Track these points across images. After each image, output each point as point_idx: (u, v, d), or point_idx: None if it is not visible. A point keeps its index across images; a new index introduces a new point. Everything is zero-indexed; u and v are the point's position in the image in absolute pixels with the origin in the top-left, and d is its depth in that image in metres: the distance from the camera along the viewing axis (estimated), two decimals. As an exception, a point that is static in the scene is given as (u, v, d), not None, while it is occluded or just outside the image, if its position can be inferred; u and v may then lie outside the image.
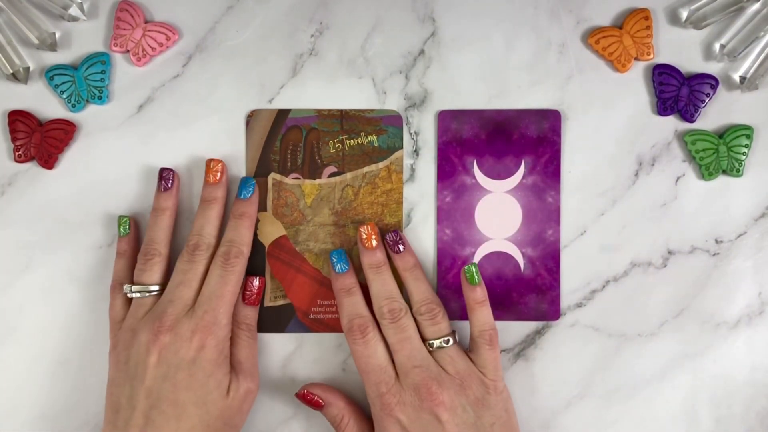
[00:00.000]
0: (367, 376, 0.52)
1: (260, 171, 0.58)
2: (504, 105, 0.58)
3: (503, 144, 0.58)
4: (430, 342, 0.52)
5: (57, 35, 0.58)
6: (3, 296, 0.58)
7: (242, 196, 0.56)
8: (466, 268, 0.53)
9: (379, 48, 0.58)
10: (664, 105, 0.57)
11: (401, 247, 0.55)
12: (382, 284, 0.54)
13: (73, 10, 0.57)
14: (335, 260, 0.55)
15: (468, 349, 0.54)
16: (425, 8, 0.58)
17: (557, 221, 0.58)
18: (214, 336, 0.51)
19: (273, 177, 0.58)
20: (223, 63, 0.58)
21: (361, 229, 0.55)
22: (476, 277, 0.53)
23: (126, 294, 0.54)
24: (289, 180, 0.58)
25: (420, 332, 0.53)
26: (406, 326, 0.52)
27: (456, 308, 0.58)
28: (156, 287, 0.53)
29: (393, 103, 0.58)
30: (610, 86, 0.58)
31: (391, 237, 0.55)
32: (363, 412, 0.56)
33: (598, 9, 0.58)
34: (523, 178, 0.58)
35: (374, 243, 0.55)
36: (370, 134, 0.58)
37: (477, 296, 0.53)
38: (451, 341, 0.52)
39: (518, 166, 0.58)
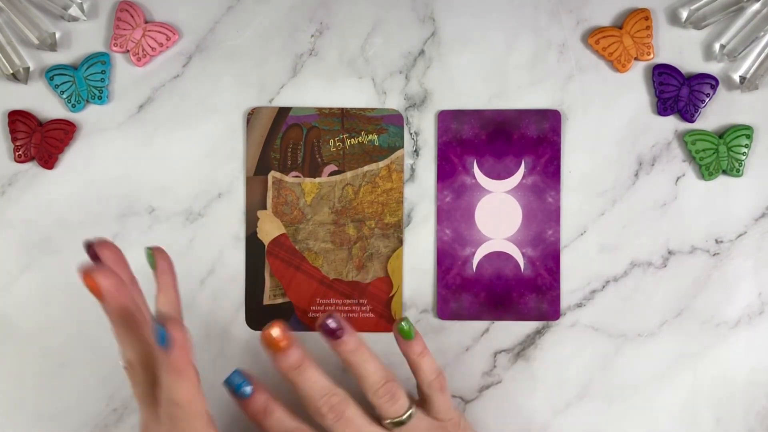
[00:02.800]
0: None
1: (260, 169, 0.58)
2: (504, 105, 0.58)
3: (503, 144, 0.58)
4: (394, 421, 0.48)
5: (57, 35, 0.58)
6: (3, 296, 0.58)
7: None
8: (398, 326, 0.48)
9: (379, 48, 0.58)
10: (664, 105, 0.57)
11: (341, 331, 0.46)
12: (310, 383, 0.46)
13: (73, 10, 0.57)
14: (234, 386, 0.47)
15: (418, 400, 0.51)
16: (425, 8, 0.58)
17: (557, 221, 0.58)
18: None
19: (273, 175, 0.58)
20: (223, 63, 0.58)
21: (270, 332, 0.45)
22: (412, 331, 0.49)
23: None
24: (289, 178, 0.58)
25: (378, 412, 0.48)
26: (352, 418, 0.47)
27: (456, 308, 0.58)
28: None
29: (393, 103, 0.58)
30: (610, 86, 0.58)
31: (329, 324, 0.46)
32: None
33: (598, 9, 0.58)
34: (523, 178, 0.58)
35: (285, 344, 0.45)
36: (371, 133, 0.58)
37: (416, 350, 0.49)
38: (412, 412, 0.48)
39: (518, 166, 0.58)
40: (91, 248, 0.44)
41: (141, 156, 0.58)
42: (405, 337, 0.49)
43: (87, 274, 0.42)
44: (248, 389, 0.46)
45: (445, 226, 0.58)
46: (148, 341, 0.43)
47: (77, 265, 0.43)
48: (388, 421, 0.48)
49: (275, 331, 0.45)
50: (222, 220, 0.58)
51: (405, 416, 0.48)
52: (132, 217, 0.58)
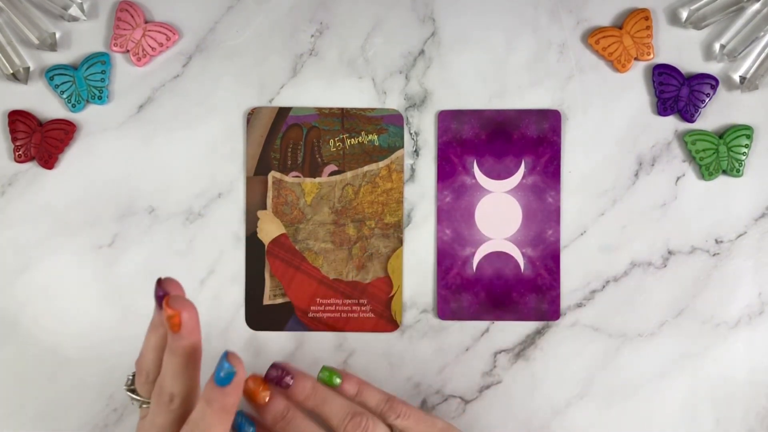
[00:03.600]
0: None
1: (260, 169, 0.58)
2: (504, 105, 0.58)
3: (503, 144, 0.58)
4: None
5: (57, 35, 0.58)
6: (3, 296, 0.58)
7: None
8: (319, 376, 0.47)
9: (379, 48, 0.58)
10: (664, 105, 0.57)
11: (289, 378, 0.45)
12: (303, 429, 0.45)
13: (73, 10, 0.57)
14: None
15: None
16: (425, 8, 0.58)
17: (557, 221, 0.58)
18: None
19: (273, 175, 0.58)
20: (223, 63, 0.58)
21: (249, 383, 0.44)
22: (333, 376, 0.47)
23: None
24: (289, 178, 0.58)
25: None
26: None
27: (456, 308, 0.58)
28: None
29: (393, 103, 0.58)
30: (610, 86, 0.58)
31: (272, 375, 0.45)
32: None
33: (598, 9, 0.58)
34: (523, 178, 0.58)
35: (265, 395, 0.44)
36: (371, 133, 0.58)
37: (351, 389, 0.48)
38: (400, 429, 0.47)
39: (518, 166, 0.58)
40: (161, 285, 0.43)
41: (141, 156, 0.58)
42: (330, 384, 0.47)
43: (171, 306, 0.41)
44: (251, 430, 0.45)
45: (445, 226, 0.58)
46: (196, 378, 0.43)
47: (158, 294, 0.42)
48: None
49: (252, 384, 0.44)
50: (222, 220, 0.58)
51: None
52: (132, 217, 0.58)
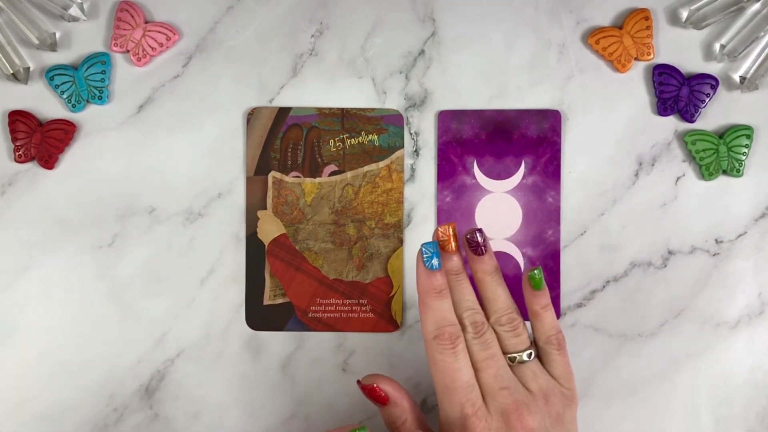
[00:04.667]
0: (450, 393, 0.45)
1: (260, 169, 0.58)
2: (504, 105, 0.58)
3: (503, 144, 0.58)
4: (512, 356, 0.47)
5: (57, 35, 0.58)
6: (3, 296, 0.58)
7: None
8: (530, 273, 0.48)
9: (379, 48, 0.58)
10: (664, 105, 0.57)
11: (484, 249, 0.48)
12: (463, 293, 0.47)
13: (73, 10, 0.57)
14: (429, 254, 0.46)
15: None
16: (425, 8, 0.58)
17: (557, 221, 0.58)
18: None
19: (273, 175, 0.58)
20: (223, 63, 0.58)
21: (440, 230, 0.47)
22: (542, 282, 0.48)
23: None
24: (289, 178, 0.58)
25: (500, 344, 0.47)
26: (491, 342, 0.46)
27: (456, 308, 0.58)
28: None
29: (393, 103, 0.58)
30: (610, 86, 0.58)
31: (474, 238, 0.47)
32: (423, 418, 0.50)
33: (598, 9, 0.58)
34: (523, 178, 0.58)
35: (454, 246, 0.47)
36: (371, 133, 0.58)
37: (542, 301, 0.48)
38: (533, 354, 0.47)
39: (518, 166, 0.58)
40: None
41: (141, 156, 0.58)
42: (534, 286, 0.48)
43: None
44: (439, 263, 0.46)
45: (445, 226, 0.58)
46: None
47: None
48: (508, 354, 0.47)
49: (446, 230, 0.47)
50: (222, 220, 0.58)
51: (525, 354, 0.47)
52: (132, 217, 0.58)
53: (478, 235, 0.47)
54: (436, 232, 0.47)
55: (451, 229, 0.47)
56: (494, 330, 0.47)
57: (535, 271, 0.48)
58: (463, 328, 0.47)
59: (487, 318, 0.47)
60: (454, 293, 0.47)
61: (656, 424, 0.58)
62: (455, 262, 0.47)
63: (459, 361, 0.45)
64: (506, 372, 0.46)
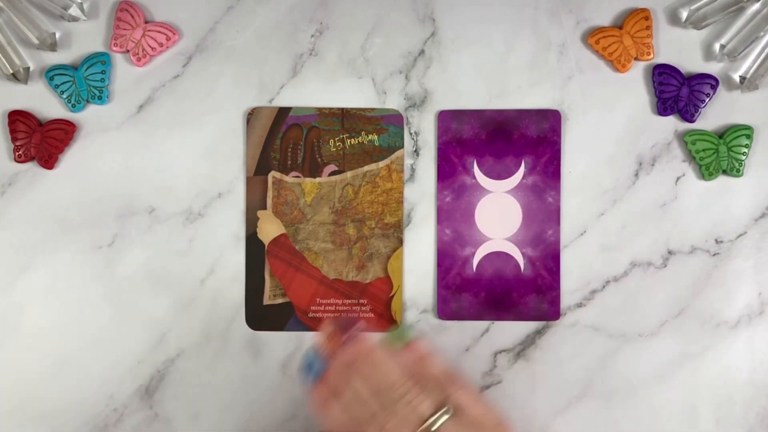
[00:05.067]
0: None
1: (260, 169, 0.58)
2: (504, 105, 0.58)
3: (503, 144, 0.58)
4: (432, 420, 0.42)
5: (57, 35, 0.58)
6: (3, 296, 0.58)
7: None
8: (390, 336, 0.46)
9: (379, 48, 0.58)
10: (664, 105, 0.57)
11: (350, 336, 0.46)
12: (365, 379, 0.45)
13: (73, 10, 0.57)
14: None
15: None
16: (425, 8, 0.58)
17: (557, 221, 0.58)
18: None
19: (273, 175, 0.58)
20: (223, 63, 0.58)
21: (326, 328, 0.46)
22: (403, 336, 0.46)
23: None
24: (289, 178, 0.58)
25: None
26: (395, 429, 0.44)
27: (456, 309, 0.58)
28: None
29: (393, 103, 0.58)
30: (610, 86, 0.58)
31: (342, 326, 0.47)
32: None
33: (598, 9, 0.58)
34: (523, 178, 0.58)
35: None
36: (371, 133, 0.58)
37: (416, 354, 0.46)
38: (452, 405, 0.44)
39: (518, 166, 0.58)
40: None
41: (141, 156, 0.58)
42: (401, 343, 0.46)
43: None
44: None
45: (445, 226, 0.58)
46: None
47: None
48: (429, 421, 0.43)
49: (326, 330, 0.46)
50: (222, 220, 0.58)
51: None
52: (132, 217, 0.58)
53: (341, 323, 0.46)
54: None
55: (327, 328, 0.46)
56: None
57: (391, 333, 0.46)
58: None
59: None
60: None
61: (656, 424, 0.58)
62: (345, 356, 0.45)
63: None
64: None
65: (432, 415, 0.42)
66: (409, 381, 0.43)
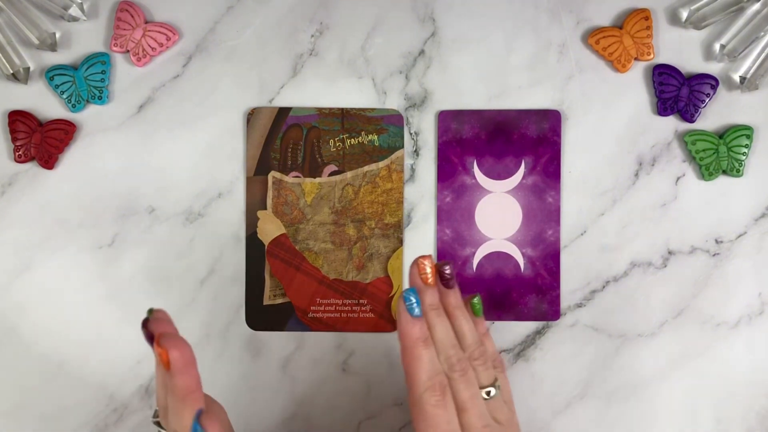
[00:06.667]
0: None
1: (260, 169, 0.58)
2: (504, 105, 0.58)
3: (503, 144, 0.58)
4: (487, 389, 0.46)
5: (57, 35, 0.58)
6: (3, 296, 0.58)
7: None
8: (472, 302, 0.48)
9: (379, 48, 0.58)
10: (664, 105, 0.57)
11: (454, 282, 0.47)
12: (446, 330, 0.46)
13: (73, 10, 0.57)
14: (412, 302, 0.45)
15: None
16: (425, 8, 0.58)
17: (557, 221, 0.58)
18: None
19: (273, 175, 0.58)
20: (223, 63, 0.58)
21: (424, 262, 0.46)
22: (482, 310, 0.48)
23: None
24: (289, 178, 0.58)
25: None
26: (473, 380, 0.46)
27: (456, 308, 0.58)
28: None
29: (393, 103, 0.58)
30: (610, 86, 0.58)
31: (446, 271, 0.47)
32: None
33: (598, 9, 0.58)
34: (523, 178, 0.58)
35: (432, 280, 0.46)
36: (371, 133, 0.58)
37: (482, 328, 0.48)
38: (499, 384, 0.47)
39: (518, 166, 0.58)
40: (147, 327, 0.42)
41: (141, 156, 0.58)
42: (476, 314, 0.48)
43: (159, 345, 0.40)
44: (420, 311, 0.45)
45: (445, 226, 0.58)
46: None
47: (147, 336, 0.41)
48: (483, 389, 0.46)
49: (428, 263, 0.46)
50: (222, 220, 0.58)
51: (494, 387, 0.46)
52: (132, 217, 0.58)
53: (449, 268, 0.47)
54: (416, 266, 0.46)
55: (430, 263, 0.46)
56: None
57: (475, 299, 0.48)
58: (451, 367, 0.45)
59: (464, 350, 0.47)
60: (436, 331, 0.46)
61: (656, 424, 0.58)
62: (435, 296, 0.46)
63: (449, 412, 0.44)
64: (485, 409, 0.45)
65: (491, 385, 0.46)
66: (479, 349, 0.46)
